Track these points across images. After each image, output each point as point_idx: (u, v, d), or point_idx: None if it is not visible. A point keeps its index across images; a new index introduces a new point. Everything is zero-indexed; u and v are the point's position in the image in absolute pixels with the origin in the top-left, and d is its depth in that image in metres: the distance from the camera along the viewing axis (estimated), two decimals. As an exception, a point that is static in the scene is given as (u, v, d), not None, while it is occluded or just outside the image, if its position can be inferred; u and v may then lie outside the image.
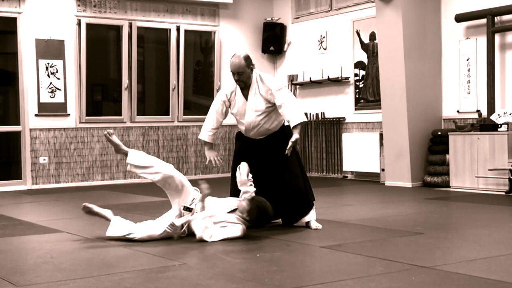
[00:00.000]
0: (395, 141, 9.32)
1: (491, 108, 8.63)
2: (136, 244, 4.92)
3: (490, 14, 8.69)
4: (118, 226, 5.10)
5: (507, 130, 8.27)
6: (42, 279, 3.88)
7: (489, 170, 8.26)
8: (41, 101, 9.99)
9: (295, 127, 5.46)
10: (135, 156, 5.20)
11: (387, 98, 9.41)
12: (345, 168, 10.67)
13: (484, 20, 8.79)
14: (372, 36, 10.29)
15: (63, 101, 10.18)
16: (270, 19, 11.99)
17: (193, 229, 5.05)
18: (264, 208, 5.15)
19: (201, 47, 11.83)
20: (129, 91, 10.77)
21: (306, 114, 10.92)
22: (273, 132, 5.75)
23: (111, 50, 11.16)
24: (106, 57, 11.20)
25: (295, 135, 5.42)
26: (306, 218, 5.66)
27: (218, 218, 5.09)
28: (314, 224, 5.64)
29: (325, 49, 11.23)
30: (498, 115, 8.30)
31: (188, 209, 5.10)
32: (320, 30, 11.31)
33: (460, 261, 4.22)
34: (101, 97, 11.19)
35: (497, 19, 8.76)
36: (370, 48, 10.37)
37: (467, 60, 9.16)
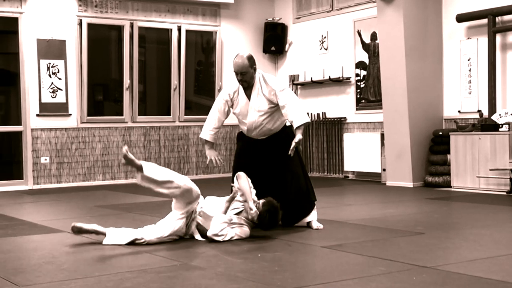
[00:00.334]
0: (396, 141, 9.32)
1: (492, 108, 8.63)
2: (138, 245, 4.92)
3: (491, 14, 8.69)
4: (118, 235, 4.98)
5: (508, 130, 8.27)
6: (43, 279, 3.88)
7: (490, 170, 8.26)
8: (42, 101, 10.00)
9: (298, 128, 5.46)
10: (151, 170, 4.88)
11: (388, 98, 9.41)
12: (346, 168, 10.67)
13: (485, 20, 8.79)
14: (373, 36, 10.29)
15: (64, 101, 10.19)
16: (271, 19, 12.00)
17: (204, 226, 5.04)
18: (275, 213, 5.14)
19: (202, 47, 11.84)
20: (130, 91, 10.78)
21: (307, 114, 10.91)
22: (275, 132, 5.75)
23: (113, 50, 11.16)
24: (108, 57, 11.21)
25: (298, 136, 5.42)
26: (308, 218, 5.66)
27: (232, 221, 5.12)
28: (315, 224, 5.64)
29: (326, 49, 11.24)
30: (499, 115, 8.30)
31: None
32: (321, 30, 11.31)
33: (461, 261, 4.22)
34: (103, 97, 11.20)
35: (498, 19, 8.76)
36: (371, 48, 10.37)
37: (468, 60, 9.16)
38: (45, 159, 10.08)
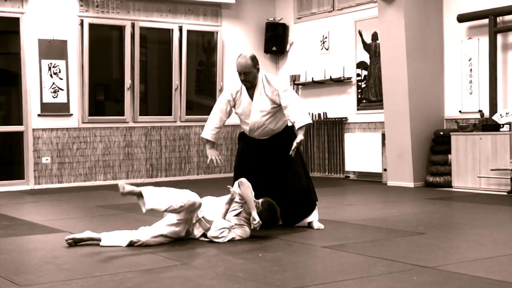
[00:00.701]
0: (397, 141, 9.32)
1: (493, 108, 8.63)
2: (136, 247, 4.92)
3: (492, 14, 8.69)
4: (114, 237, 4.95)
5: (509, 130, 8.26)
6: (44, 279, 3.89)
7: (491, 170, 8.26)
8: (43, 101, 10.01)
9: (300, 128, 5.47)
10: (152, 199, 4.84)
11: (389, 98, 9.41)
12: (347, 168, 10.67)
13: (486, 20, 8.79)
14: (374, 36, 10.29)
15: (65, 101, 10.20)
16: (272, 19, 12.00)
17: (208, 225, 5.04)
18: (274, 212, 5.18)
19: (204, 47, 11.84)
20: (131, 91, 10.78)
21: (309, 114, 10.91)
22: (277, 132, 5.75)
23: (114, 50, 11.17)
24: (109, 57, 11.22)
25: (300, 136, 5.43)
26: (309, 219, 5.67)
27: (232, 223, 5.13)
28: (316, 224, 5.65)
29: (327, 49, 11.24)
30: (500, 115, 8.30)
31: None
32: (322, 30, 11.31)
33: (462, 261, 4.22)
34: (104, 97, 11.20)
35: (499, 19, 8.75)
36: (372, 48, 10.37)
37: (469, 60, 9.16)
38: (46, 159, 10.09)
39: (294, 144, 5.40)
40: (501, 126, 8.36)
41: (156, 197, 4.87)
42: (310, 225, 5.66)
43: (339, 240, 5.06)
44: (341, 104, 10.97)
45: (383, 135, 9.80)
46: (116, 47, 11.08)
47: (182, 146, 11.28)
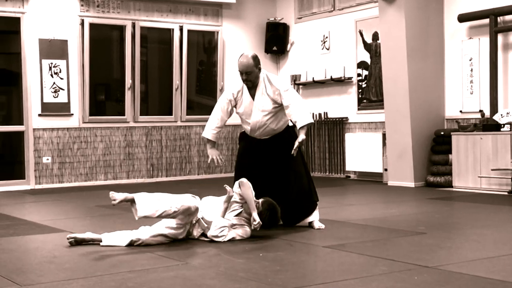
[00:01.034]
0: (397, 141, 9.32)
1: (494, 108, 8.63)
2: (136, 246, 4.92)
3: (493, 14, 8.69)
4: (114, 237, 4.95)
5: (510, 130, 8.26)
6: (45, 279, 3.89)
7: (492, 170, 8.26)
8: (44, 101, 10.01)
9: (301, 128, 5.47)
10: (144, 206, 4.82)
11: (390, 98, 9.41)
12: (348, 168, 10.67)
13: (487, 20, 8.79)
14: (375, 36, 10.29)
15: (66, 101, 10.20)
16: (273, 19, 12.00)
17: (207, 224, 5.04)
18: (274, 212, 5.18)
19: (204, 47, 11.85)
20: (132, 91, 10.78)
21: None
22: (278, 132, 5.75)
23: (114, 50, 11.17)
24: (109, 57, 11.22)
25: (302, 136, 5.43)
26: (309, 218, 5.67)
27: (232, 222, 5.13)
28: (317, 224, 5.65)
29: (328, 49, 11.24)
30: (501, 115, 8.30)
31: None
32: (323, 30, 11.31)
33: (463, 261, 4.22)
34: (104, 97, 11.21)
35: (500, 19, 8.75)
36: (373, 48, 10.37)
37: (470, 60, 9.16)
38: (47, 159, 10.09)
39: (296, 144, 5.41)
40: (502, 126, 8.36)
41: (149, 204, 4.84)
42: (311, 225, 5.66)
43: (340, 240, 5.06)
44: (342, 104, 10.97)
45: (384, 135, 9.80)
46: (116, 47, 11.08)
47: (182, 146, 11.28)
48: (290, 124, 5.82)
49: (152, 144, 11.01)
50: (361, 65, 10.62)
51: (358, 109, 10.68)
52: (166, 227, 4.99)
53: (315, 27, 11.48)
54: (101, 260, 4.43)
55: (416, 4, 9.20)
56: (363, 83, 10.59)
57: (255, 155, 5.75)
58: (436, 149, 9.21)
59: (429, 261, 4.19)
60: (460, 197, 7.93)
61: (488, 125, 8.47)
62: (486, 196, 7.94)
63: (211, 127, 5.82)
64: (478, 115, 8.85)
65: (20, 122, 10.02)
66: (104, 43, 11.04)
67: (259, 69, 5.59)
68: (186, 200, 4.97)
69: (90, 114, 10.43)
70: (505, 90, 8.80)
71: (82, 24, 10.36)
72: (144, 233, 4.96)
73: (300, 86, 11.73)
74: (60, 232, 5.64)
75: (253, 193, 5.17)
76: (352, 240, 5.08)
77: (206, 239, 5.06)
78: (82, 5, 10.38)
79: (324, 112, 11.22)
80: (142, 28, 10.86)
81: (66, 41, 10.22)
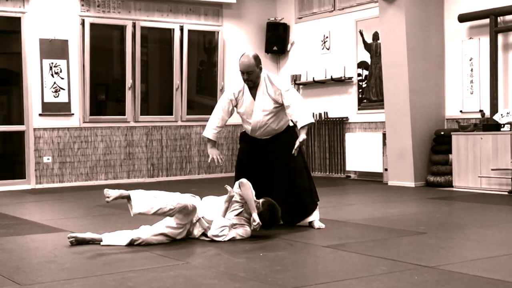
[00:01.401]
0: (398, 141, 9.32)
1: (494, 108, 8.63)
2: (137, 245, 4.92)
3: (493, 14, 8.69)
4: (115, 237, 4.96)
5: (510, 130, 8.26)
6: (45, 278, 3.89)
7: (492, 170, 8.26)
8: (45, 100, 10.01)
9: (302, 128, 5.49)
10: (140, 203, 4.80)
11: (390, 98, 9.42)
12: (348, 168, 10.67)
13: (487, 20, 8.79)
14: (375, 36, 10.29)
15: (67, 100, 10.21)
16: (273, 19, 12.00)
17: (207, 224, 5.05)
18: (275, 212, 5.19)
19: (205, 47, 11.85)
20: (132, 91, 10.79)
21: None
22: (279, 132, 5.76)
23: (115, 50, 11.17)
24: (110, 57, 11.22)
25: (302, 136, 5.44)
26: (310, 218, 5.67)
27: (233, 222, 5.14)
28: (317, 224, 5.65)
29: (328, 49, 11.24)
30: (501, 115, 8.30)
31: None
32: (323, 30, 11.32)
33: (463, 261, 4.23)
34: (105, 96, 11.21)
35: (500, 19, 8.76)
36: (373, 48, 10.37)
37: (470, 60, 9.16)
38: (48, 159, 10.09)
39: (297, 143, 5.42)
40: (502, 126, 8.36)
41: (144, 201, 4.82)
42: (311, 224, 5.67)
43: (340, 240, 5.07)
44: (342, 104, 10.98)
45: (384, 135, 9.81)
46: (117, 47, 11.09)
47: (183, 145, 11.29)
48: (291, 124, 5.82)
49: (153, 144, 11.02)
50: (361, 65, 10.62)
51: (358, 109, 10.68)
52: (167, 226, 5.00)
53: (316, 27, 11.48)
54: (101, 259, 4.44)
55: (416, 4, 9.20)
56: (363, 83, 10.59)
57: (255, 155, 5.76)
58: (436, 149, 9.22)
59: (429, 261, 4.20)
60: (460, 197, 7.93)
61: (488, 125, 8.47)
62: (486, 196, 7.94)
63: (211, 127, 5.83)
64: (478, 115, 8.85)
65: (21, 122, 10.03)
66: (105, 43, 11.04)
67: (260, 69, 5.60)
68: (182, 198, 4.97)
69: (91, 114, 10.44)
70: (505, 90, 8.80)
71: (83, 24, 10.36)
72: (145, 232, 4.97)
73: (301, 86, 11.74)
74: (61, 232, 5.64)
75: (253, 193, 5.17)
76: (353, 240, 5.08)
77: (206, 238, 5.06)
78: (82, 5, 10.39)
79: (324, 112, 11.23)
80: (142, 28, 10.86)
81: (67, 41, 10.23)
